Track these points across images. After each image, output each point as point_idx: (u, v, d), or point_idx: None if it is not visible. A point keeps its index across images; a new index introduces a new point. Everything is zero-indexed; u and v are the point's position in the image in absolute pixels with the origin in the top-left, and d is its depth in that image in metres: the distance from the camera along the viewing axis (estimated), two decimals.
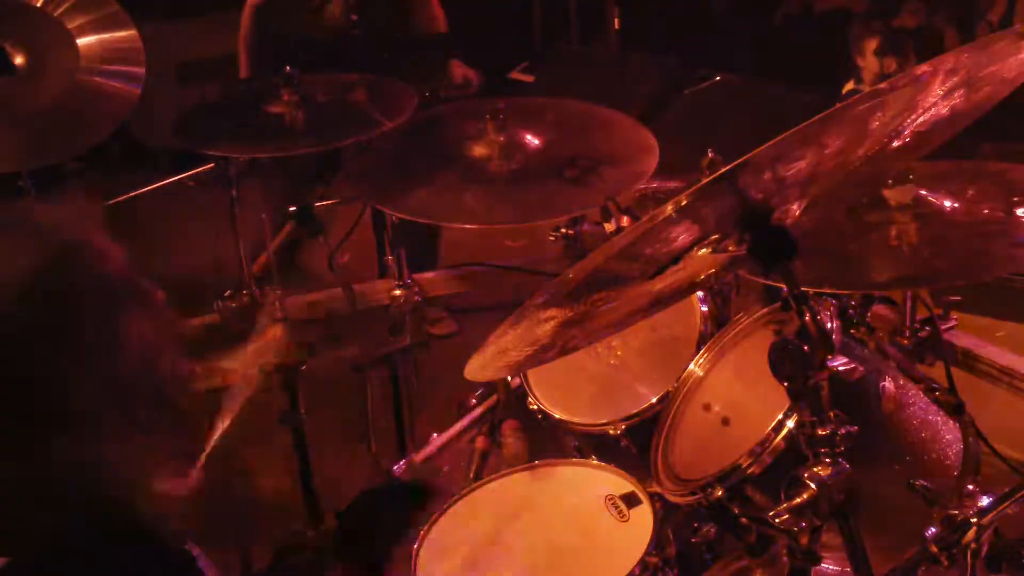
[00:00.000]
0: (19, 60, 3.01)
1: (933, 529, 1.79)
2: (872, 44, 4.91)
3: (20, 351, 1.27)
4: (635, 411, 2.20)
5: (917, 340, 2.47)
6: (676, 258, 1.52)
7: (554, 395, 2.34)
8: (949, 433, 1.98)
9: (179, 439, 1.41)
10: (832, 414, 1.49)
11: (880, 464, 1.90)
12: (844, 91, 4.93)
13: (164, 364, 1.36)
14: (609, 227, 2.45)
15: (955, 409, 1.99)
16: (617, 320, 1.72)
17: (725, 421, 2.05)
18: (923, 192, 2.10)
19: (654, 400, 2.19)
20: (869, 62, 4.93)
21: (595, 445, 2.29)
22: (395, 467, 2.58)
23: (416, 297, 2.94)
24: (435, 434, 2.66)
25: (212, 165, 2.96)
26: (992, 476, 2.01)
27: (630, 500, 2.03)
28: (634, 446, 2.19)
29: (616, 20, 6.17)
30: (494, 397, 2.57)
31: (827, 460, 1.49)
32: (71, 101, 3.03)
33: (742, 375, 2.09)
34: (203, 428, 2.07)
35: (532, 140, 2.66)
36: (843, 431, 1.49)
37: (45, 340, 1.28)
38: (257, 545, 2.56)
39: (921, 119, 1.47)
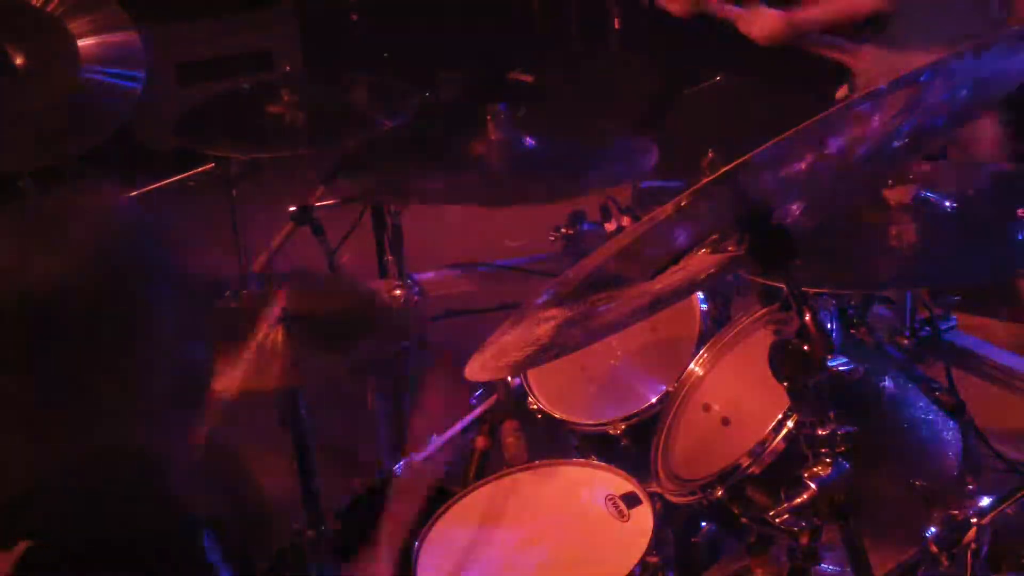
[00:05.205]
0: (19, 60, 3.01)
1: (933, 529, 1.79)
2: None
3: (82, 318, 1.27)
4: (635, 411, 2.20)
5: (917, 340, 2.47)
6: (676, 258, 1.52)
7: (554, 395, 2.33)
8: (949, 433, 1.98)
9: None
10: (832, 414, 1.50)
11: (880, 464, 1.90)
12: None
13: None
14: (609, 227, 2.45)
15: (955, 409, 1.99)
16: (617, 320, 1.72)
17: (725, 421, 2.05)
18: (923, 192, 2.10)
19: (654, 400, 2.19)
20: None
21: (595, 445, 2.29)
22: (395, 467, 2.58)
23: (416, 297, 2.94)
24: (435, 434, 2.65)
25: (212, 165, 2.96)
26: (992, 476, 2.02)
27: (630, 500, 2.03)
28: (634, 446, 2.19)
29: (616, 20, 6.16)
30: (494, 397, 2.57)
31: (827, 460, 1.49)
32: (71, 101, 3.03)
33: (742, 375, 2.08)
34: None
35: (532, 140, 2.65)
36: (843, 431, 1.49)
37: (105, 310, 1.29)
38: (257, 545, 2.55)
39: (921, 119, 1.47)
